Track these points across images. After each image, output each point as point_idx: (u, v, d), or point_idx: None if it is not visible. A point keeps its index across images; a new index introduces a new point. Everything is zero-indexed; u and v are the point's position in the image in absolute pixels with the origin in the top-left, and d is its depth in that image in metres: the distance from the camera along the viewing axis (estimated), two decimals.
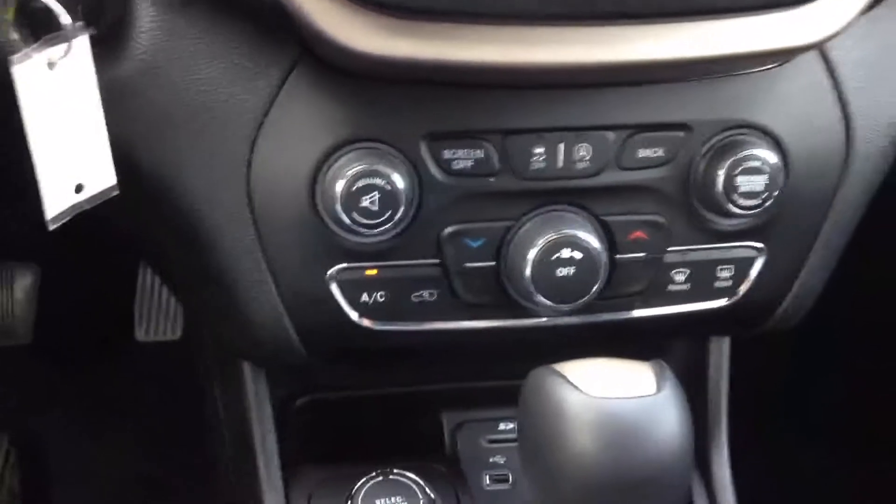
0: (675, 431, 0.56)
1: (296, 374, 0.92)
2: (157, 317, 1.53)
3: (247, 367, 0.85)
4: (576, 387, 0.57)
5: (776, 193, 0.71)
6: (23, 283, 1.49)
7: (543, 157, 0.70)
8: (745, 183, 0.70)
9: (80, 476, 1.43)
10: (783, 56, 0.69)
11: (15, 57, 0.60)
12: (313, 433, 0.93)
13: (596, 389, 0.56)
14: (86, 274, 1.54)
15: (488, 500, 0.91)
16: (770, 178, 0.71)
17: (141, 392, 1.49)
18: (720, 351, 0.88)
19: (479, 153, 0.70)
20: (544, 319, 0.76)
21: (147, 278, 1.55)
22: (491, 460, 0.94)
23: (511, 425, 0.96)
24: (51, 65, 0.62)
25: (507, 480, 0.93)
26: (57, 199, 0.65)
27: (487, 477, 0.93)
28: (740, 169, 0.70)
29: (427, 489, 0.82)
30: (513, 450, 0.95)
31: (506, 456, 0.94)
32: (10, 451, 1.39)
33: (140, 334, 1.53)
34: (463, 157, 0.70)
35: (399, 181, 0.68)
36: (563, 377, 0.58)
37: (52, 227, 0.65)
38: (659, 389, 0.57)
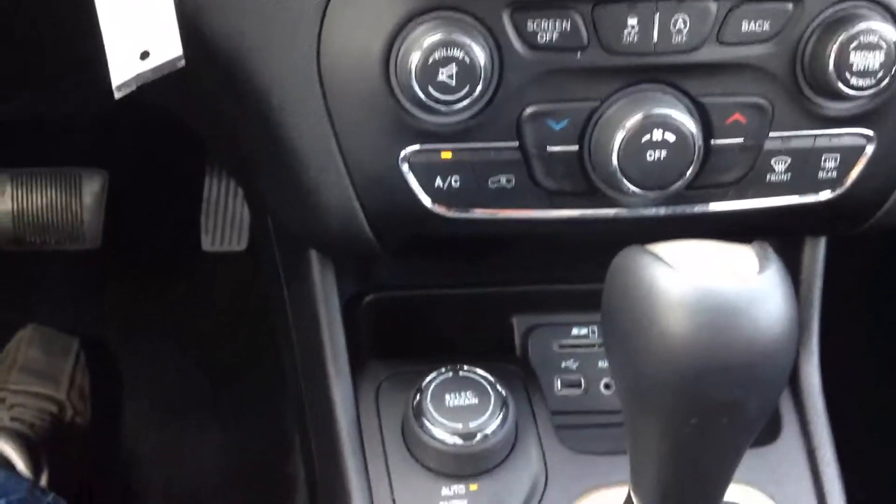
0: (779, 315, 0.51)
1: (364, 271, 0.89)
2: (224, 227, 1.53)
3: (315, 261, 0.82)
4: (670, 265, 0.52)
5: (893, 72, 0.64)
6: (91, 188, 1.50)
7: (636, 29, 0.64)
8: (860, 60, 0.64)
9: (147, 382, 1.45)
10: None
11: None
12: (381, 331, 0.90)
13: (692, 268, 0.52)
14: (153, 182, 1.54)
15: (559, 405, 0.88)
16: (887, 56, 0.64)
17: (207, 302, 1.50)
18: (815, 252, 0.82)
19: (566, 25, 0.64)
20: (628, 210, 0.71)
21: (213, 188, 1.54)
22: (563, 365, 0.91)
23: (584, 330, 0.93)
24: None
25: (579, 386, 0.90)
26: (123, 66, 0.62)
27: (559, 382, 0.90)
28: (854, 45, 0.64)
29: (498, 386, 0.79)
30: (586, 355, 0.92)
31: (578, 361, 0.91)
32: (79, 354, 1.41)
33: (206, 244, 1.53)
34: (548, 29, 0.64)
35: (479, 54, 0.64)
36: (656, 256, 0.53)
37: (118, 96, 0.63)
38: (762, 270, 0.52)
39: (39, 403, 1.30)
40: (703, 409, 0.52)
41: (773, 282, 0.51)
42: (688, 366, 0.50)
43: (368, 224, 0.72)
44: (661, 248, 0.54)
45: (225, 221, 1.52)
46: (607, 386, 0.91)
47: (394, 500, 0.77)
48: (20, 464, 1.18)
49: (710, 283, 0.51)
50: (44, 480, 1.20)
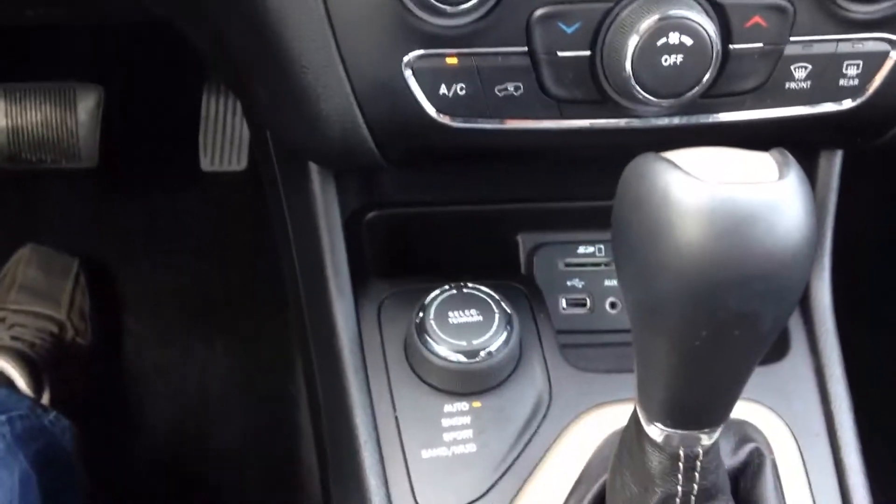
0: (799, 224, 0.48)
1: (366, 186, 0.87)
2: (222, 147, 1.50)
3: (315, 176, 0.80)
4: (686, 172, 0.50)
5: None
6: (86, 104, 1.46)
7: None
8: None
9: (147, 301, 1.45)
10: None
11: None
12: (384, 249, 0.88)
13: (709, 175, 0.49)
14: (150, 98, 1.50)
15: (565, 324, 0.87)
16: None
17: (207, 221, 1.48)
18: (831, 167, 0.80)
19: None
20: (641, 120, 0.68)
21: (211, 106, 1.51)
22: (568, 284, 0.89)
23: (591, 249, 0.91)
24: None
25: (584, 305, 0.89)
26: None
27: (564, 301, 0.89)
28: None
29: (503, 303, 0.77)
30: (592, 274, 0.90)
31: (584, 280, 0.89)
32: (79, 275, 1.40)
33: (205, 164, 1.50)
34: None
35: None
36: (672, 162, 0.51)
37: None
38: (782, 176, 0.50)
39: (39, 323, 1.29)
40: (716, 321, 0.50)
41: (794, 189, 0.49)
42: (702, 276, 0.48)
43: (370, 134, 0.69)
44: (677, 155, 0.51)
45: (224, 141, 1.49)
46: (613, 305, 0.89)
47: (396, 418, 0.76)
48: (21, 382, 1.17)
49: (728, 189, 0.48)
50: (45, 399, 1.20)
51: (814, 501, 0.71)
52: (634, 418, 0.61)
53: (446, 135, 0.68)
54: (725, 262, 0.48)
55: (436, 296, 0.77)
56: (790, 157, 0.51)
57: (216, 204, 1.47)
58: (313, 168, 0.79)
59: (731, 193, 0.48)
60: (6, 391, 1.06)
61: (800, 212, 0.49)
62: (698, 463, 0.60)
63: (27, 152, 1.46)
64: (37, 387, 1.19)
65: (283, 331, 1.37)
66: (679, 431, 0.58)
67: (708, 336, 0.51)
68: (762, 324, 0.51)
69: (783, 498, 0.70)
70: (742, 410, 0.73)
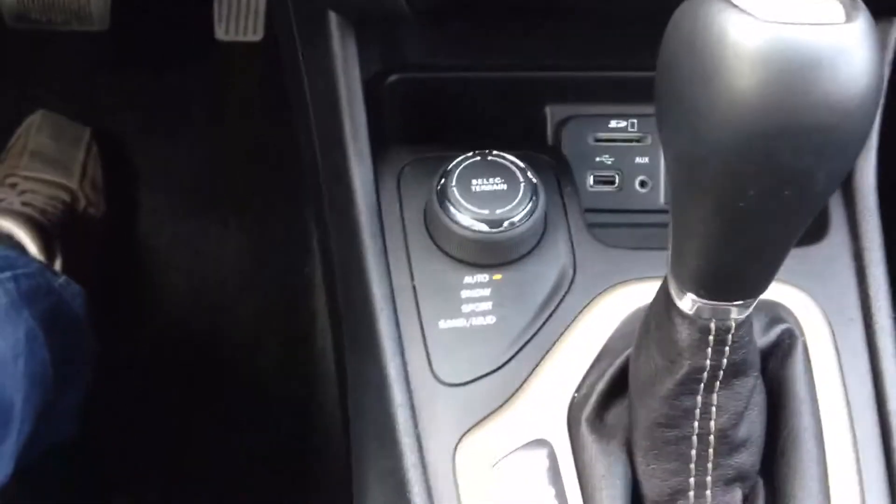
0: (865, 72, 0.44)
1: (388, 47, 0.82)
2: (238, 15, 1.44)
3: (335, 28, 0.75)
4: (744, 11, 0.45)
5: None
6: None
7: None
8: None
9: (161, 175, 1.42)
10: None
11: None
12: (406, 115, 0.84)
13: (769, 14, 0.45)
14: None
15: (591, 202, 0.83)
16: None
17: (221, 93, 1.43)
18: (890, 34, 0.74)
19: None
20: None
21: None
22: (597, 160, 0.85)
23: (623, 123, 0.86)
24: None
25: (613, 182, 0.85)
26: None
27: (592, 177, 0.85)
28: None
29: (529, 173, 0.73)
30: (622, 150, 0.86)
31: (614, 156, 0.85)
32: (91, 144, 1.37)
33: (220, 33, 1.45)
34: None
35: None
36: (728, 1, 0.46)
37: None
38: (849, 20, 0.45)
39: (51, 191, 1.27)
40: (767, 177, 0.46)
41: (862, 33, 0.44)
42: (756, 124, 0.44)
43: None
44: None
45: (239, 8, 1.43)
46: (643, 184, 0.86)
47: (414, 288, 0.74)
48: (32, 247, 1.16)
49: (789, 30, 0.43)
50: (57, 266, 1.19)
51: (844, 385, 0.69)
52: (664, 290, 0.58)
53: None
54: (783, 108, 0.43)
55: (459, 162, 0.73)
56: (859, 0, 0.46)
57: (231, 75, 1.42)
58: (333, 21, 0.74)
59: (794, 34, 0.43)
60: (16, 252, 1.04)
61: (866, 59, 0.44)
62: (729, 337, 0.57)
63: (37, 12, 1.40)
64: (49, 253, 1.18)
65: (300, 210, 1.34)
66: (711, 303, 0.55)
67: (755, 195, 0.47)
68: (815, 183, 0.47)
69: (813, 380, 0.68)
70: (774, 292, 0.70)
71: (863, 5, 0.46)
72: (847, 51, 0.43)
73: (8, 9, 1.40)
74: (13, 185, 1.26)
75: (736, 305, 0.56)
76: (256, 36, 1.44)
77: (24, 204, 1.21)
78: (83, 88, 1.42)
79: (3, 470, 0.85)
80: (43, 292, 0.93)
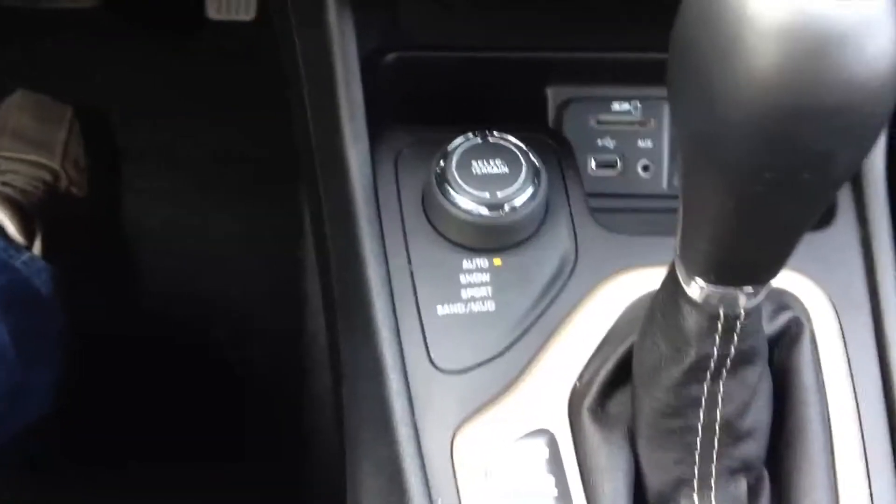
0: (892, 51, 0.42)
1: (386, 24, 0.80)
2: None
3: (332, 3, 0.73)
4: None
5: None
6: None
7: None
8: None
9: (148, 154, 1.39)
10: None
11: None
12: (404, 95, 0.82)
13: None
14: None
15: (593, 186, 0.81)
16: None
17: (211, 74, 1.40)
18: None
19: None
20: None
21: None
22: (599, 143, 0.84)
23: (626, 106, 0.84)
24: None
25: (614, 166, 0.84)
26: None
27: (593, 161, 0.83)
28: None
29: (531, 155, 0.71)
30: (625, 133, 0.84)
31: (616, 139, 0.84)
32: (73, 123, 1.34)
33: (212, 11, 1.42)
34: None
35: None
36: None
37: None
38: None
39: (33, 171, 1.24)
40: (786, 159, 0.44)
41: (888, 11, 0.42)
42: (777, 103, 0.42)
43: None
44: None
45: None
46: (646, 168, 0.84)
47: (411, 272, 0.72)
48: (12, 228, 1.13)
49: (812, 4, 0.41)
50: (37, 248, 1.16)
51: (851, 373, 0.68)
52: (671, 275, 0.57)
53: None
54: (804, 87, 0.41)
55: (459, 143, 0.72)
56: None
57: (222, 55, 1.40)
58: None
59: (817, 7, 0.41)
60: None
61: (892, 38, 0.42)
62: (738, 324, 0.56)
63: None
64: (28, 234, 1.15)
65: (293, 192, 1.32)
66: (721, 289, 0.54)
67: (772, 179, 0.45)
68: (834, 167, 0.45)
69: (820, 368, 0.66)
70: (781, 279, 0.68)
71: None
72: (874, 26, 0.41)
73: None
74: None
75: (746, 292, 0.54)
76: (249, 15, 1.41)
77: (5, 184, 1.19)
78: (71, 66, 1.39)
79: None
80: None
